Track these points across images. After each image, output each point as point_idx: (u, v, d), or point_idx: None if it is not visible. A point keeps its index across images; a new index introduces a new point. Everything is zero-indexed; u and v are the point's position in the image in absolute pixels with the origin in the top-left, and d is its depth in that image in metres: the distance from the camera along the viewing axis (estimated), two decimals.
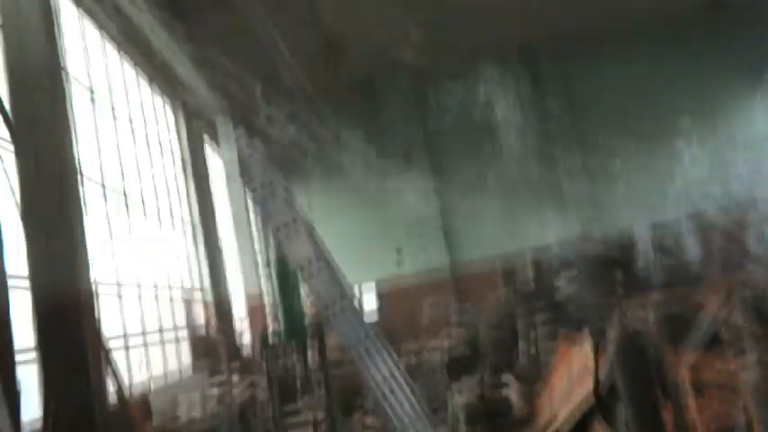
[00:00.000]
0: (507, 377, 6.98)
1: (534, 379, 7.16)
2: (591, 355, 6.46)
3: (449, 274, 16.46)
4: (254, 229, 15.56)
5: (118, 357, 7.39)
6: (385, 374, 5.25)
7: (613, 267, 10.27)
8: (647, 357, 6.07)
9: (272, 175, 6.19)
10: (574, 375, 6.42)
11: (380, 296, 16.35)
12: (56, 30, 7.16)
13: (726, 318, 7.11)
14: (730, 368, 5.70)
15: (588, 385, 5.93)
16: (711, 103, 17.04)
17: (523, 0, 14.28)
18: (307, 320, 6.32)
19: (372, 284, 16.53)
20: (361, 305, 14.79)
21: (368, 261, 16.21)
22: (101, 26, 9.55)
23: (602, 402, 5.77)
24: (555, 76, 17.90)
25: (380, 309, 16.01)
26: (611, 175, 16.78)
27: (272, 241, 11.82)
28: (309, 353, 6.14)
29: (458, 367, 8.38)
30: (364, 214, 16.81)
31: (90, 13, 9.10)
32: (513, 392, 6.82)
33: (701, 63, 16.95)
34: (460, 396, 6.56)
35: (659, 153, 15.80)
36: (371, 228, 16.79)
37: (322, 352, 5.92)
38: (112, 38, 9.97)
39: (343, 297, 5.34)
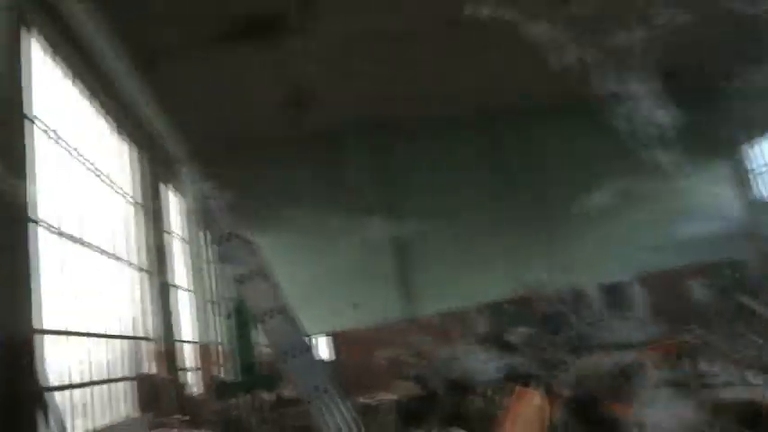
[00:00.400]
0: (454, 429, 7.05)
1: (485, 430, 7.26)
2: (542, 408, 6.64)
3: (404, 326, 16.53)
4: (208, 276, 15.41)
5: (62, 405, 7.14)
6: (340, 425, 5.27)
7: (564, 323, 10.63)
8: (597, 410, 6.31)
9: (236, 226, 6.30)
10: (524, 428, 6.56)
11: (336, 347, 16.27)
12: (21, 69, 7.22)
13: (669, 371, 7.45)
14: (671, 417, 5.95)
15: None
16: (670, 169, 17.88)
17: (484, 65, 14.85)
18: (262, 368, 6.30)
19: (328, 335, 16.47)
20: (318, 356, 14.67)
21: (325, 312, 16.20)
22: (66, 66, 9.60)
23: None
24: (513, 136, 18.48)
25: (335, 360, 15.89)
26: (565, 235, 17.46)
27: (229, 290, 11.71)
28: (264, 401, 6.10)
29: (410, 419, 8.41)
30: (322, 265, 16.86)
31: (56, 52, 9.16)
32: None
33: None
34: None
35: (611, 215, 16.47)
36: (329, 279, 16.84)
37: (277, 401, 5.90)
38: (79, 79, 10.01)
39: (301, 348, 5.39)
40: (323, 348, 16.19)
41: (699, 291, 12.56)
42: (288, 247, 16.78)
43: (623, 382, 7.67)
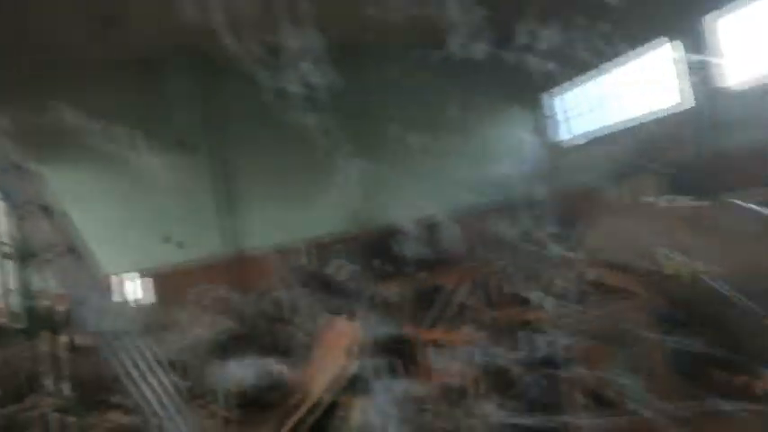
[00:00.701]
0: (271, 361, 7.23)
1: (300, 359, 7.53)
2: (349, 335, 7.02)
3: (226, 261, 16.28)
4: None
5: None
6: (139, 365, 5.07)
7: (376, 255, 11.22)
8: (399, 333, 6.82)
9: (15, 155, 5.61)
10: (334, 353, 6.92)
11: (154, 284, 15.54)
12: None
13: (463, 296, 8.28)
14: (462, 337, 6.68)
15: (346, 361, 6.46)
16: (477, 116, 19.32)
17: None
18: (46, 308, 5.81)
19: (145, 272, 15.66)
20: (122, 293, 13.92)
21: (140, 248, 15.38)
22: None
23: (357, 375, 6.36)
24: (345, 71, 18.30)
25: (151, 297, 15.23)
26: (386, 172, 18.10)
27: (9, 224, 10.44)
28: (49, 343, 5.64)
29: (227, 354, 8.42)
30: (139, 200, 15.82)
31: None
32: (278, 372, 7.11)
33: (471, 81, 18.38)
34: (227, 378, 6.65)
35: (429, 155, 17.33)
36: (145, 214, 15.88)
37: (67, 343, 5.50)
38: None
39: (92, 288, 5.01)
40: (136, 288, 15.39)
41: (500, 226, 13.90)
42: (101, 181, 15.44)
43: (425, 305, 8.41)
